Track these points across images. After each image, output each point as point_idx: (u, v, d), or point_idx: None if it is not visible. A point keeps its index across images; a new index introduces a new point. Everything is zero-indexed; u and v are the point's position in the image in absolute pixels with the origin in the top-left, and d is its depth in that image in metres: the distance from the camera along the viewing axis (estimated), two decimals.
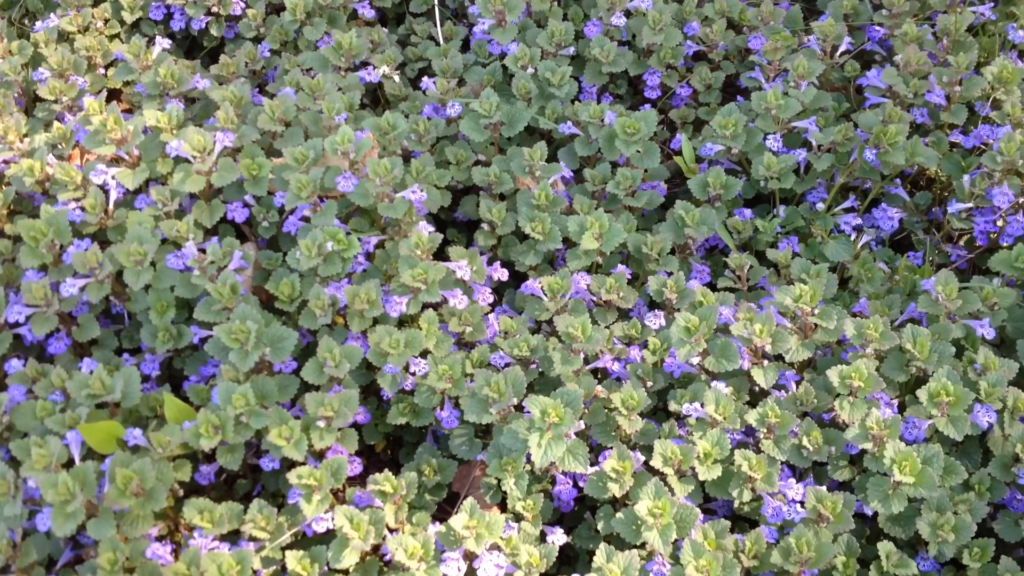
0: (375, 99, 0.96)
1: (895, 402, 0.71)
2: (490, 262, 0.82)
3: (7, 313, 0.71)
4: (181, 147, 0.76)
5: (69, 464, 0.65)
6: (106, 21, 0.93)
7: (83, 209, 0.76)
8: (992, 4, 0.91)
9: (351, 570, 0.66)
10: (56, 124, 0.83)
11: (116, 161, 0.79)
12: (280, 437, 0.67)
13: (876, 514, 0.68)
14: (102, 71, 0.98)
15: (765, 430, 0.69)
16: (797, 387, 0.72)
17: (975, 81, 0.85)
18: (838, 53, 0.91)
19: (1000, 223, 0.81)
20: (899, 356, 0.72)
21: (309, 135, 0.82)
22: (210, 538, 0.65)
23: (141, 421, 0.71)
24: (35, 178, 0.78)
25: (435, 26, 0.97)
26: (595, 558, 0.63)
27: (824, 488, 0.67)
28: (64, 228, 0.74)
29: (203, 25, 0.93)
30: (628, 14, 0.93)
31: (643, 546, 0.66)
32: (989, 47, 0.90)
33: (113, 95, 0.95)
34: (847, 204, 0.85)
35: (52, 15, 0.89)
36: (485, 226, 0.84)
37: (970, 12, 0.89)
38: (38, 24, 0.89)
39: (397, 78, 0.93)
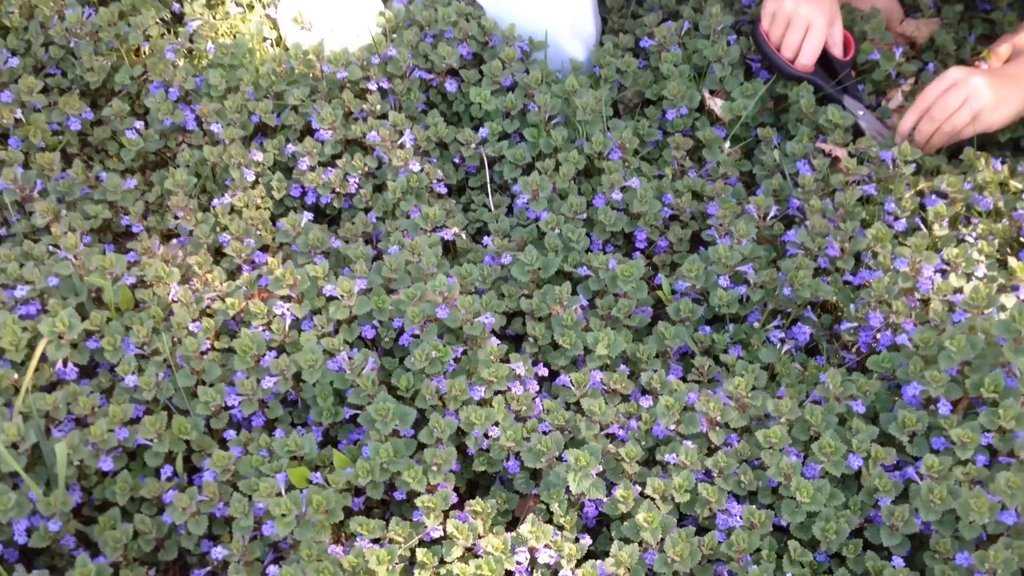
0: (446, 249, 1.35)
1: (800, 453, 1.08)
2: (535, 363, 1.20)
3: (227, 399, 1.09)
4: (335, 290, 1.15)
5: (279, 495, 1.01)
6: (262, 198, 1.32)
7: (270, 331, 1.15)
8: (874, 184, 1.31)
9: (456, 560, 1.01)
10: (244, 274, 1.22)
11: (288, 299, 1.17)
12: (409, 477, 1.04)
13: (788, 524, 1.04)
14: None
15: (717, 471, 1.06)
16: (738, 444, 1.09)
17: (860, 240, 1.25)
18: (768, 217, 1.32)
19: (876, 336, 1.20)
20: (803, 424, 1.10)
21: (413, 279, 1.20)
22: (367, 541, 1.01)
23: (316, 468, 1.08)
24: (234, 311, 1.16)
25: (487, 197, 1.37)
26: (611, 549, 0.99)
27: (754, 507, 1.03)
28: (260, 344, 1.12)
29: (329, 200, 1.33)
30: (624, 189, 1.33)
31: (641, 543, 1.02)
32: (871, 214, 1.30)
33: (270, 250, 1.34)
34: (775, 323, 1.24)
35: (225, 195, 1.29)
36: (530, 339, 1.22)
37: (859, 190, 1.29)
38: (215, 201, 1.29)
39: (464, 235, 1.32)
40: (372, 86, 1.34)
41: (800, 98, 1.38)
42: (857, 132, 1.40)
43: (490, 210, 1.35)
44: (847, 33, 1.43)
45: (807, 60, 1.38)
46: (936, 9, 1.56)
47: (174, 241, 1.27)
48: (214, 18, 1.46)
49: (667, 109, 1.40)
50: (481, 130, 1.37)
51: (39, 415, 1.04)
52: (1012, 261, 1.17)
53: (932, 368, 1.06)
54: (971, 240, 1.22)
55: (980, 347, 1.05)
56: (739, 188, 1.34)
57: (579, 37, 1.47)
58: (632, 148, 1.36)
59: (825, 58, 1.41)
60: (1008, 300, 1.15)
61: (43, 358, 1.08)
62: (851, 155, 1.32)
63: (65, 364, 1.09)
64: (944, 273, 1.17)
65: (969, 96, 1.27)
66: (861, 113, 1.39)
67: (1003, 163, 1.28)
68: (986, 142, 1.34)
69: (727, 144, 1.38)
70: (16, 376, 1.06)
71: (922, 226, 1.24)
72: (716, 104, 1.42)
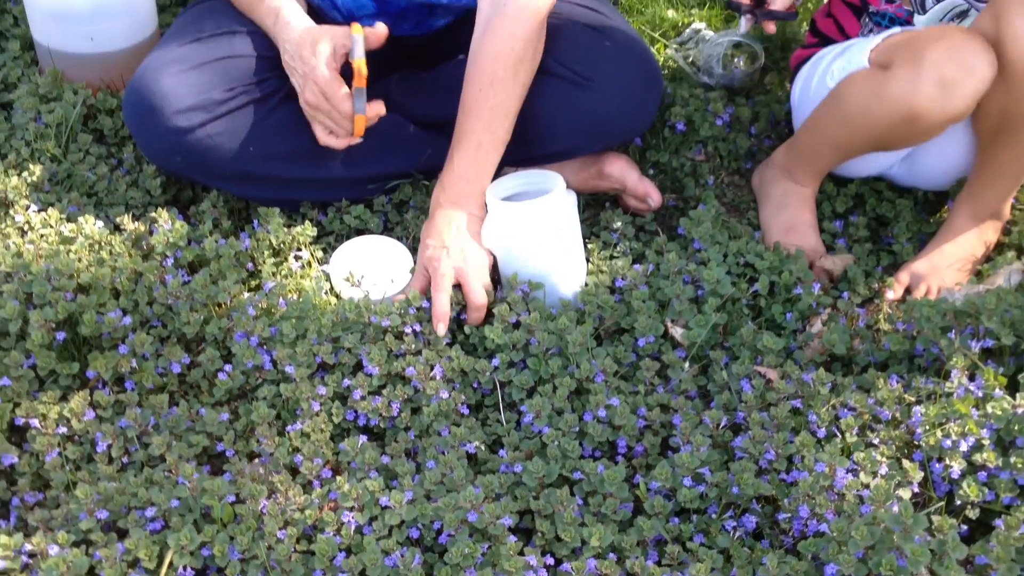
0: (470, 458, 1.70)
1: None
2: (543, 554, 1.53)
3: None
4: (389, 501, 1.49)
5: None
6: (324, 423, 1.67)
7: (340, 535, 1.49)
8: (800, 400, 1.68)
9: None
10: (316, 489, 1.56)
11: (351, 508, 1.51)
12: None
13: None
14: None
15: None
16: None
17: (790, 446, 1.61)
18: (720, 426, 1.68)
19: (806, 524, 1.54)
20: None
21: (447, 489, 1.55)
22: None
23: None
24: (311, 520, 1.50)
25: (500, 414, 1.74)
26: None
27: None
28: (333, 547, 1.45)
29: (376, 422, 1.68)
30: (607, 407, 1.69)
31: None
32: (799, 423, 1.66)
33: (330, 464, 1.69)
34: (728, 514, 1.58)
35: (297, 422, 1.65)
36: (539, 533, 1.56)
37: (788, 404, 1.66)
38: (289, 427, 1.64)
39: (483, 447, 1.68)
40: (408, 330, 1.72)
41: (741, 327, 1.77)
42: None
43: (503, 425, 1.71)
44: None
45: None
46: (848, 247, 1.97)
47: (256, 461, 1.62)
48: (279, 271, 1.85)
49: (638, 337, 1.78)
50: (493, 360, 1.74)
51: None
52: (906, 463, 1.53)
53: (844, 552, 1.41)
54: (875, 443, 1.58)
55: (879, 534, 1.40)
56: (697, 402, 1.71)
57: (571, 280, 1.85)
58: (612, 371, 1.73)
59: None
60: (904, 494, 1.51)
61: (170, 564, 1.42)
62: (781, 377, 1.69)
63: (185, 569, 1.43)
64: (855, 472, 1.53)
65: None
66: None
67: (899, 381, 1.66)
68: (886, 360, 1.72)
69: (687, 364, 1.76)
70: None
71: (837, 433, 1.61)
72: (677, 332, 1.80)
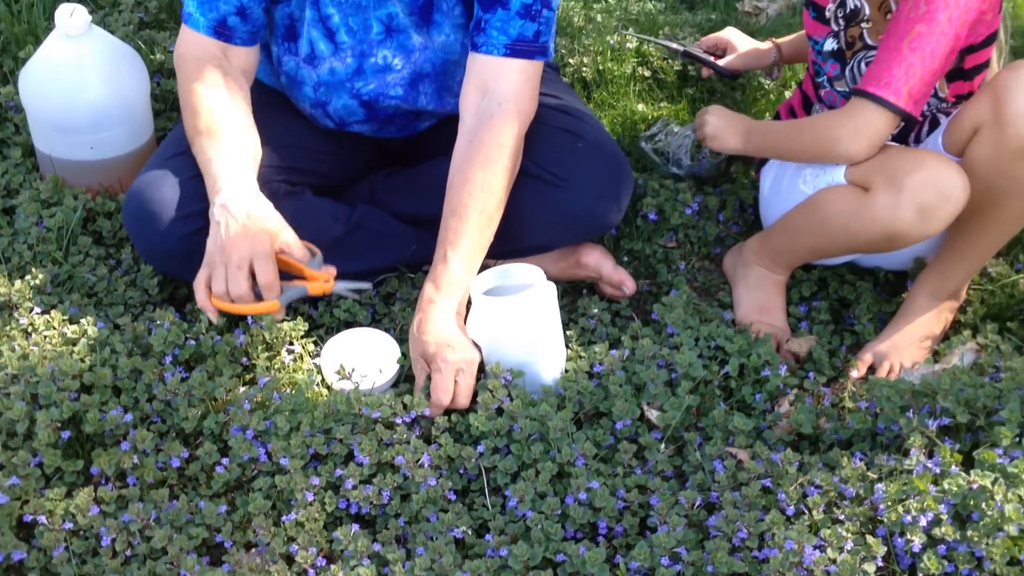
0: (457, 543, 1.78)
1: None
2: None
3: None
4: None
5: None
6: (318, 513, 1.75)
7: None
8: (770, 479, 1.77)
9: None
10: None
11: None
12: None
13: None
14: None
15: None
16: None
17: (761, 524, 1.69)
18: (695, 506, 1.76)
19: None
20: None
21: (437, 574, 1.62)
22: None
23: None
24: None
25: (486, 498, 1.82)
26: None
27: None
28: None
29: (367, 510, 1.77)
30: (588, 490, 1.78)
31: None
32: (769, 502, 1.75)
33: (323, 552, 1.76)
34: None
35: (292, 512, 1.73)
36: None
37: (759, 483, 1.75)
38: (284, 517, 1.71)
39: (470, 531, 1.76)
40: (399, 420, 1.81)
41: (714, 409, 1.86)
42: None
43: (488, 509, 1.79)
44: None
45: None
46: (810, 329, 2.08)
47: (253, 551, 1.69)
48: (273, 365, 1.94)
49: (616, 420, 1.88)
50: (478, 446, 1.82)
51: None
52: (870, 538, 1.62)
53: None
54: (841, 520, 1.67)
55: None
56: (673, 483, 1.80)
57: (552, 367, 1.95)
58: (592, 454, 1.82)
59: None
60: (869, 568, 1.59)
61: None
62: (752, 457, 1.79)
63: None
64: (822, 548, 1.62)
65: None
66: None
67: (862, 459, 1.75)
68: (851, 438, 1.82)
69: (663, 446, 1.85)
70: None
71: (805, 510, 1.70)
72: (652, 414, 1.89)
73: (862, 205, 1.76)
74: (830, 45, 1.99)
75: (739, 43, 2.45)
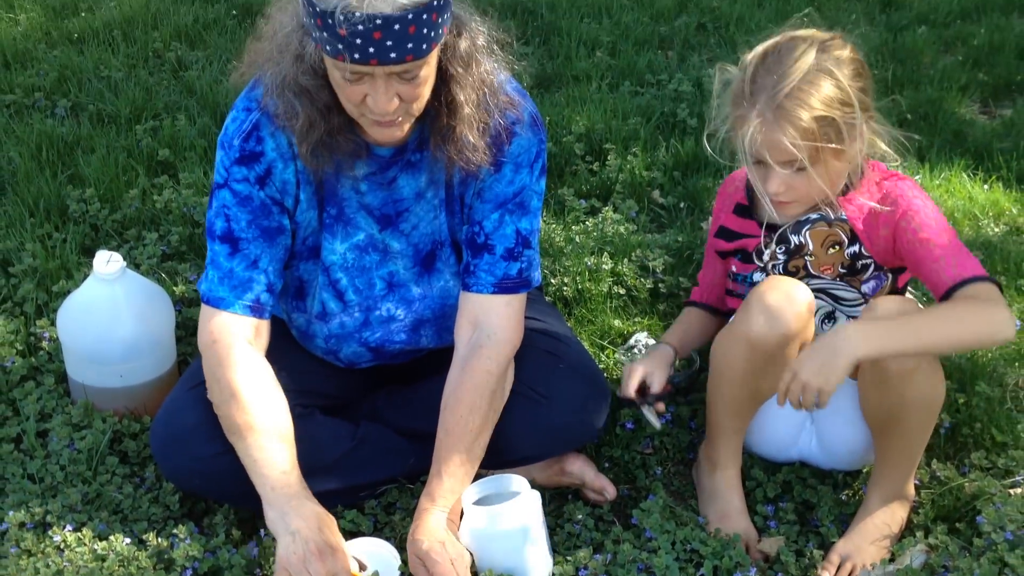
0: None
1: None
2: None
3: None
4: None
5: None
6: None
7: None
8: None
9: None
10: None
11: None
12: None
13: None
14: None
15: None
16: None
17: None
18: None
19: None
20: None
21: None
22: None
23: None
24: None
25: None
26: None
27: None
28: None
29: None
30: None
31: None
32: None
33: None
34: None
35: None
36: None
37: None
38: None
39: None
40: None
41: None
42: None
43: None
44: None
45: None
46: (777, 528, 2.26)
47: None
48: None
49: None
50: None
51: None
52: None
53: None
54: None
55: None
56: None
57: (539, 571, 2.11)
58: None
59: None
60: None
61: None
62: None
63: None
64: None
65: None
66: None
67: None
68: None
69: None
70: None
71: None
72: None
73: (729, 331, 2.02)
74: (760, 276, 2.22)
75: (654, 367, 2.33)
